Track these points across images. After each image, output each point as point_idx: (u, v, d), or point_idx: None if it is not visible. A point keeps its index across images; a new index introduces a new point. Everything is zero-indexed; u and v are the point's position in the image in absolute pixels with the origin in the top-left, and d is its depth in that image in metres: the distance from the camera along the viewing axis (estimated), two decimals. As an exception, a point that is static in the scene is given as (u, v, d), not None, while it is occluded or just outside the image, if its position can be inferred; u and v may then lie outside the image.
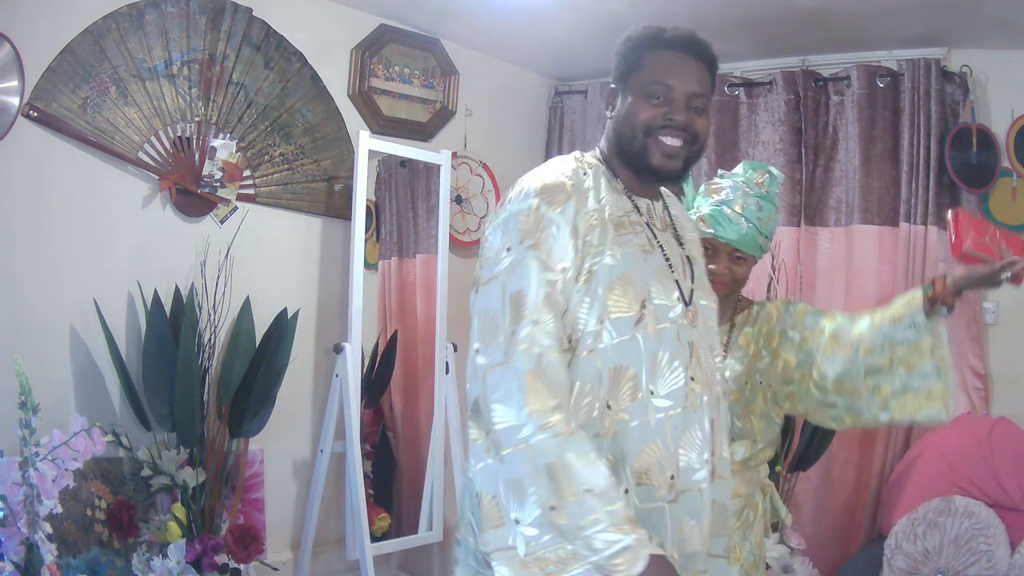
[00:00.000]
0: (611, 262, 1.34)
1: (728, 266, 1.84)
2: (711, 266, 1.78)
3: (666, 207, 1.52)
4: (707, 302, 1.48)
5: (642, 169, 1.43)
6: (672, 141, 1.40)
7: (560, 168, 1.40)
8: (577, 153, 1.47)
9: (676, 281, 1.41)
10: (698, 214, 1.86)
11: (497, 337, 1.26)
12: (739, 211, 1.82)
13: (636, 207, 1.44)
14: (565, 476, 1.19)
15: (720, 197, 1.85)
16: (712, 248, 1.81)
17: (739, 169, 1.89)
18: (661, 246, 1.42)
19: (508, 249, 1.31)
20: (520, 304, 1.26)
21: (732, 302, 1.92)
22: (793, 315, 1.84)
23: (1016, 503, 2.66)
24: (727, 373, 1.83)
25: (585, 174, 1.41)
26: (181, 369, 2.47)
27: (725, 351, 1.86)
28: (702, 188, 1.93)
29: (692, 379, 1.37)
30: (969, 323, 3.05)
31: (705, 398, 1.38)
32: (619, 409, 1.32)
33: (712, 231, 1.82)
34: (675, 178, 1.46)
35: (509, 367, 1.24)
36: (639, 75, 1.44)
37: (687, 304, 1.41)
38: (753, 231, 1.82)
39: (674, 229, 1.49)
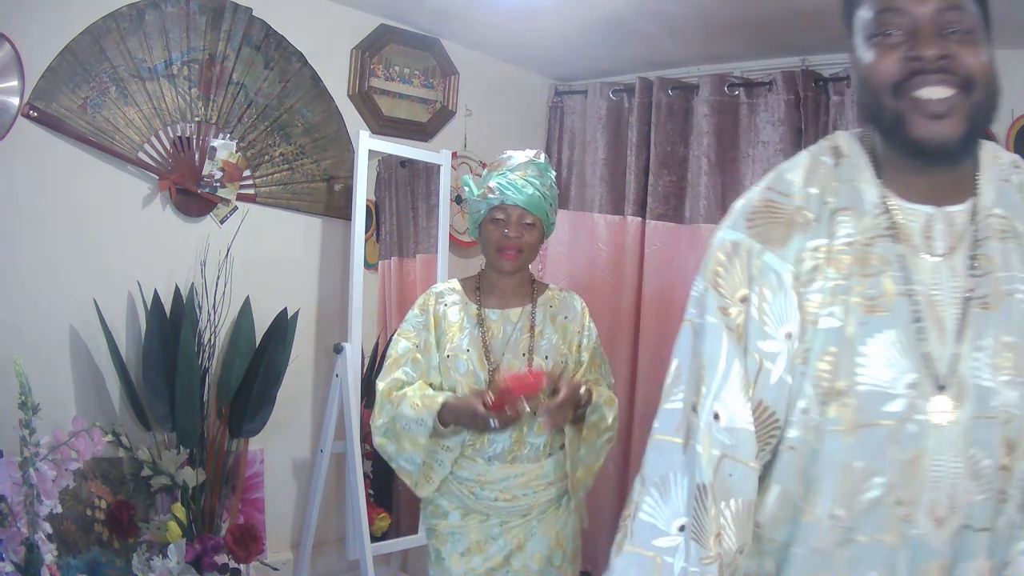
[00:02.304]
0: (828, 325, 0.95)
1: (520, 231, 2.02)
2: (504, 231, 2.01)
3: (979, 213, 0.99)
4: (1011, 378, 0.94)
5: (907, 149, 0.96)
6: (933, 92, 0.93)
7: (790, 172, 1.04)
8: (838, 135, 1.09)
9: (925, 354, 0.94)
10: (485, 187, 2.05)
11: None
12: (523, 176, 2.02)
13: (892, 224, 0.98)
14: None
15: (505, 167, 2.05)
16: (504, 215, 2.02)
17: (515, 151, 2.10)
18: (911, 294, 0.95)
19: (696, 303, 1.00)
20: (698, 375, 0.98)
21: (527, 280, 2.13)
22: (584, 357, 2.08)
23: (1016, 503, 2.66)
24: (544, 347, 2.04)
25: (826, 174, 1.02)
26: (181, 369, 2.47)
27: (532, 331, 2.05)
28: (484, 172, 2.14)
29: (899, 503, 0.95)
30: (969, 323, 3.05)
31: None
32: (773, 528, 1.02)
33: (502, 199, 2.01)
34: (958, 153, 0.97)
35: None
36: (859, 11, 1.01)
37: (940, 388, 0.94)
38: (538, 195, 2.02)
39: (972, 252, 0.97)
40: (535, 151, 2.10)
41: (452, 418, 1.93)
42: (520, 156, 2.07)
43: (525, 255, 2.05)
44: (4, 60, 2.33)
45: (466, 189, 2.11)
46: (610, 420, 2.04)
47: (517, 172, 2.03)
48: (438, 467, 2.01)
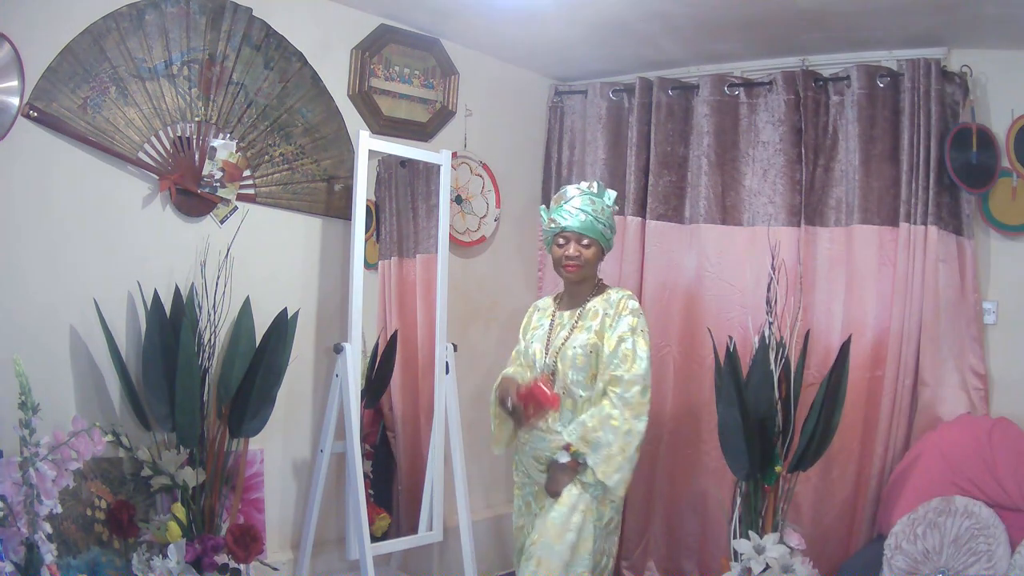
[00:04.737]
0: None
1: (579, 250, 2.51)
2: (564, 252, 2.51)
3: None
4: None
5: None
6: None
7: None
8: None
9: None
10: (549, 219, 2.56)
11: None
12: (577, 206, 2.51)
13: None
14: None
15: (563, 200, 2.55)
16: (565, 239, 2.52)
17: (570, 186, 2.61)
18: None
19: None
20: None
21: (592, 286, 2.60)
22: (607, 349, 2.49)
23: (1016, 503, 2.66)
24: (577, 340, 2.50)
25: None
26: (181, 369, 2.47)
27: (573, 328, 2.53)
28: (551, 205, 2.62)
29: None
30: (969, 323, 3.05)
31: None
32: None
33: (562, 227, 2.51)
34: None
35: None
36: None
37: None
38: (591, 219, 2.49)
39: None
40: (588, 183, 2.57)
41: (500, 390, 2.58)
42: (572, 190, 2.56)
43: (584, 268, 2.54)
44: (4, 60, 2.33)
45: (543, 218, 2.63)
46: (592, 424, 2.41)
47: (572, 203, 2.52)
48: (504, 427, 2.64)
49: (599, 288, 2.61)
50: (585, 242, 2.52)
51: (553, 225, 2.55)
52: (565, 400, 2.50)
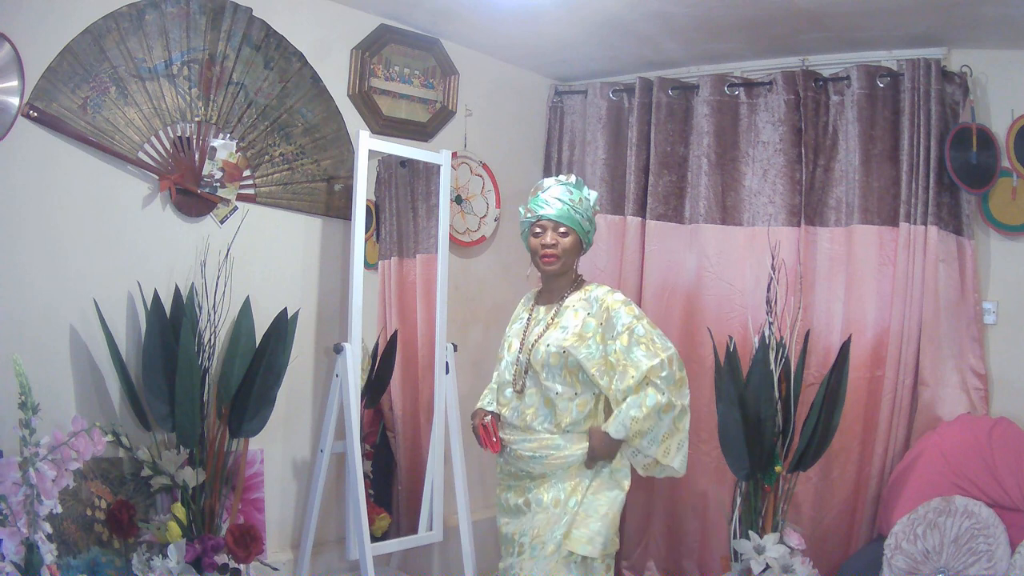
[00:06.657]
0: None
1: (556, 238, 2.42)
2: (541, 242, 2.43)
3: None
4: None
5: None
6: None
7: None
8: None
9: None
10: (526, 210, 2.49)
11: None
12: (554, 195, 2.45)
13: None
14: None
15: (539, 191, 2.48)
16: (541, 227, 2.44)
17: (548, 177, 2.55)
18: None
19: None
20: None
21: (571, 281, 2.49)
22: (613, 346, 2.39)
23: (1016, 503, 2.66)
24: (553, 337, 2.39)
25: None
26: (181, 369, 2.47)
27: (550, 325, 2.43)
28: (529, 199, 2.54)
29: None
30: (969, 323, 3.05)
31: None
32: None
33: (538, 216, 2.43)
34: None
35: None
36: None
37: None
38: (567, 208, 2.42)
39: None
40: (566, 175, 2.53)
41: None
42: (550, 180, 2.50)
43: (563, 259, 2.44)
44: (4, 60, 2.33)
45: (521, 215, 2.54)
46: (643, 416, 2.33)
47: (549, 192, 2.45)
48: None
49: (577, 283, 2.50)
50: (562, 230, 2.41)
51: (530, 215, 2.46)
52: (542, 397, 2.41)
